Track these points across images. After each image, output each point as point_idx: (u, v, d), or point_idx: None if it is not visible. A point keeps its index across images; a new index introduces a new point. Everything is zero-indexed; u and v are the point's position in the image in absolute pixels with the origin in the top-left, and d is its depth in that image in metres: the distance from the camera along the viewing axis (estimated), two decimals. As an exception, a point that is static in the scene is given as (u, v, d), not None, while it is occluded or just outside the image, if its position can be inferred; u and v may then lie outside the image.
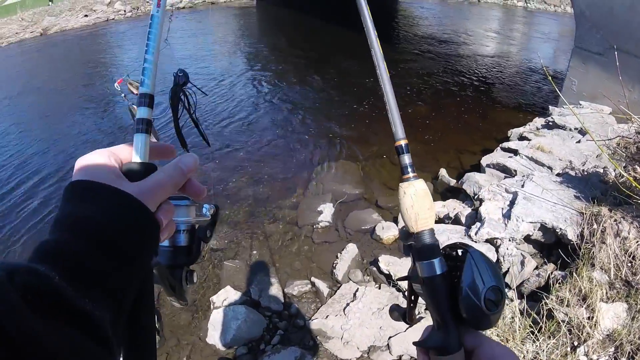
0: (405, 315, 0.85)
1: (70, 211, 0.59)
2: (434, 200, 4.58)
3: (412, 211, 0.76)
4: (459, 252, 0.74)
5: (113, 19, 17.72)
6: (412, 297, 0.82)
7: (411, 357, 3.29)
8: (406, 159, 0.80)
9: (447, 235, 4.03)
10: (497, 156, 5.60)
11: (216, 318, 3.74)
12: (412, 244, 0.78)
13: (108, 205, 0.61)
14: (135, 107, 0.79)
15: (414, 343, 0.76)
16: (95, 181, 0.62)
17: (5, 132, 8.38)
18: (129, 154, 0.72)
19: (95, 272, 0.55)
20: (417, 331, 3.24)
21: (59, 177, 6.47)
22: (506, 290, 3.58)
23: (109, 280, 0.57)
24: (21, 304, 0.43)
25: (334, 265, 4.34)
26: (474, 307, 0.67)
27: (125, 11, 18.30)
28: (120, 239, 0.59)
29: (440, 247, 0.77)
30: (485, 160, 5.58)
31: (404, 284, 3.76)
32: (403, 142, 0.80)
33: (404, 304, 0.85)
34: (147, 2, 18.75)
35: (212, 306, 3.93)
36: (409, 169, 0.79)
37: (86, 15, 17.62)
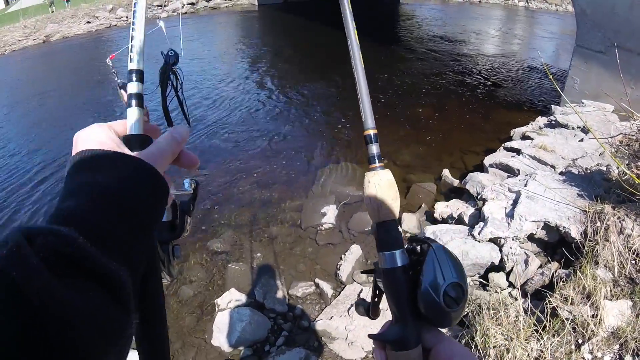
0: (369, 310, 0.84)
1: (83, 179, 0.59)
2: (438, 200, 4.62)
3: (376, 201, 0.74)
4: (424, 246, 0.71)
5: (115, 25, 17.79)
6: (377, 292, 0.80)
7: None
8: (374, 148, 0.79)
9: (451, 235, 4.03)
10: (500, 156, 5.60)
11: (221, 320, 3.75)
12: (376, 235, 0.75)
13: (122, 170, 0.61)
14: (122, 91, 0.81)
15: (369, 336, 0.74)
16: (104, 149, 0.63)
17: (7, 137, 8.42)
18: (123, 127, 0.74)
19: (115, 236, 0.55)
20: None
21: (58, 178, 6.52)
22: (509, 289, 3.59)
23: (128, 245, 0.57)
24: (42, 266, 0.42)
25: (338, 266, 4.35)
26: (432, 302, 0.65)
27: (127, 17, 18.39)
28: (138, 203, 0.60)
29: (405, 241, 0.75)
30: (488, 160, 5.58)
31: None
32: (372, 132, 0.79)
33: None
34: (149, 8, 18.82)
35: (217, 308, 3.94)
36: (376, 159, 0.78)
37: (88, 22, 17.71)
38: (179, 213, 0.89)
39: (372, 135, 0.79)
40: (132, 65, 0.80)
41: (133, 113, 0.76)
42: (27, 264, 0.41)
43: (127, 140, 0.72)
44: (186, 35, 15.16)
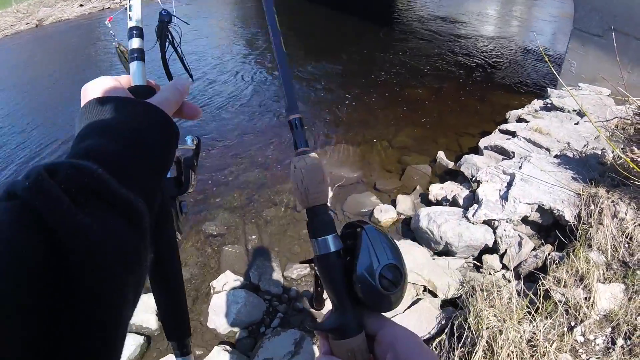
0: (312, 300, 0.83)
1: (97, 122, 0.61)
2: (432, 182, 4.61)
3: (302, 186, 0.73)
4: (357, 230, 0.69)
5: (109, 7, 17.54)
6: (318, 281, 0.76)
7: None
8: (299, 133, 0.78)
9: (445, 217, 4.04)
10: (495, 138, 5.60)
11: (216, 302, 3.76)
12: (306, 221, 0.74)
13: (134, 113, 0.64)
14: (122, 46, 0.86)
15: (309, 326, 0.73)
16: (113, 96, 0.66)
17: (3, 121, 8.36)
18: (128, 80, 0.78)
19: (133, 171, 0.57)
20: (413, 312, 3.27)
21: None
22: (503, 271, 3.62)
23: (144, 181, 0.59)
24: (63, 196, 0.44)
25: (333, 248, 4.35)
26: (368, 286, 0.63)
27: (120, 0, 18.14)
28: (152, 143, 0.62)
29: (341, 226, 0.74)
30: (483, 142, 5.58)
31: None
32: (297, 117, 0.77)
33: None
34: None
35: (212, 291, 3.96)
36: (302, 144, 0.76)
37: (81, 5, 17.46)
38: (183, 169, 0.93)
39: (297, 119, 0.77)
40: (132, 23, 0.85)
41: (136, 66, 0.80)
42: (49, 195, 0.43)
43: (132, 90, 0.74)
44: (183, 14, 15.05)
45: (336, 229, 0.71)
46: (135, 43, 0.82)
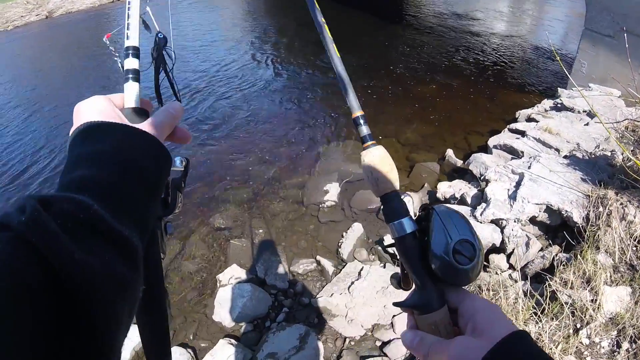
0: (400, 282, 0.85)
1: (90, 149, 0.61)
2: (441, 180, 4.62)
3: (372, 177, 0.77)
4: (430, 211, 0.73)
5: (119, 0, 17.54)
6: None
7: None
8: (364, 129, 0.82)
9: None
10: (504, 137, 5.58)
11: (222, 296, 3.78)
12: (382, 208, 0.78)
13: (127, 140, 0.64)
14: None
15: (394, 304, 0.76)
16: (107, 121, 0.66)
17: (10, 115, 8.40)
18: (121, 100, 0.78)
19: (128, 203, 0.59)
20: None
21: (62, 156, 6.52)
22: (510, 271, 3.61)
23: (138, 211, 0.60)
24: (59, 231, 0.45)
25: (340, 244, 4.37)
26: (444, 262, 0.66)
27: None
28: (144, 170, 0.63)
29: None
30: (492, 141, 5.56)
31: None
32: (360, 114, 0.83)
33: None
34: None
35: (218, 284, 3.98)
36: (368, 138, 0.81)
37: (92, -4, 17.44)
38: (170, 190, 0.92)
39: (360, 117, 0.83)
40: (129, 43, 0.84)
41: (130, 87, 0.80)
42: (46, 229, 0.44)
43: (126, 112, 0.76)
44: (184, 13, 15.07)
45: (409, 212, 0.75)
46: (131, 63, 0.83)
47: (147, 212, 0.63)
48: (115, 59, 0.94)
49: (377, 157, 0.79)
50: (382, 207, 0.77)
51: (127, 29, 0.85)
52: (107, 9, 15.98)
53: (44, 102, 8.62)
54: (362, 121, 0.82)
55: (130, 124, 0.67)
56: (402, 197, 0.78)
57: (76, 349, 0.44)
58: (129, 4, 0.86)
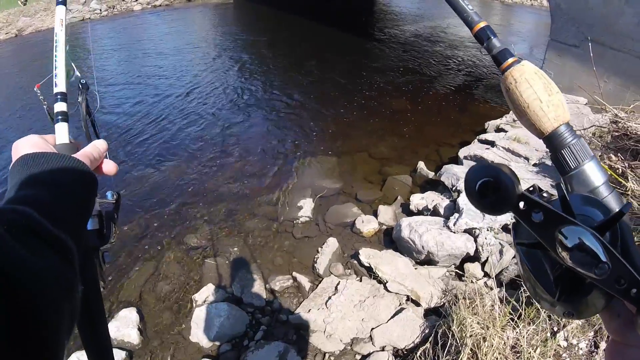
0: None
1: (30, 175, 0.71)
2: (413, 192, 4.68)
3: (531, 107, 0.57)
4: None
5: (89, 18, 17.43)
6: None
7: (394, 348, 3.31)
8: (496, 42, 0.62)
9: (427, 227, 4.05)
10: (474, 148, 5.65)
11: (199, 316, 3.72)
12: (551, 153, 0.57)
13: (61, 166, 0.75)
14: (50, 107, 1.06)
15: None
16: (42, 151, 0.77)
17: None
18: (53, 139, 0.91)
19: (63, 215, 0.67)
20: (397, 322, 3.27)
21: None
22: (485, 279, 3.63)
23: (72, 223, 0.69)
24: (6, 235, 0.50)
25: (315, 259, 4.34)
26: None
27: (100, 10, 18.03)
28: (76, 190, 0.75)
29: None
30: (462, 152, 5.63)
31: (385, 275, 3.78)
32: (484, 25, 0.63)
33: None
34: (123, 0, 18.57)
35: (194, 304, 3.91)
36: (507, 54, 0.61)
37: (61, 15, 17.31)
38: (105, 221, 1.01)
39: (485, 28, 0.63)
40: (57, 89, 0.99)
41: (60, 127, 0.94)
42: None
43: (58, 148, 0.87)
44: (160, 28, 15.06)
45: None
46: (60, 107, 0.96)
47: (80, 226, 0.74)
48: (43, 106, 1.07)
49: (532, 75, 0.59)
50: (551, 152, 0.56)
51: (55, 77, 1.00)
52: (77, 26, 15.79)
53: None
54: (489, 33, 0.63)
55: (62, 153, 0.79)
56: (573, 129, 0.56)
57: (28, 347, 0.46)
58: (55, 57, 1.02)
